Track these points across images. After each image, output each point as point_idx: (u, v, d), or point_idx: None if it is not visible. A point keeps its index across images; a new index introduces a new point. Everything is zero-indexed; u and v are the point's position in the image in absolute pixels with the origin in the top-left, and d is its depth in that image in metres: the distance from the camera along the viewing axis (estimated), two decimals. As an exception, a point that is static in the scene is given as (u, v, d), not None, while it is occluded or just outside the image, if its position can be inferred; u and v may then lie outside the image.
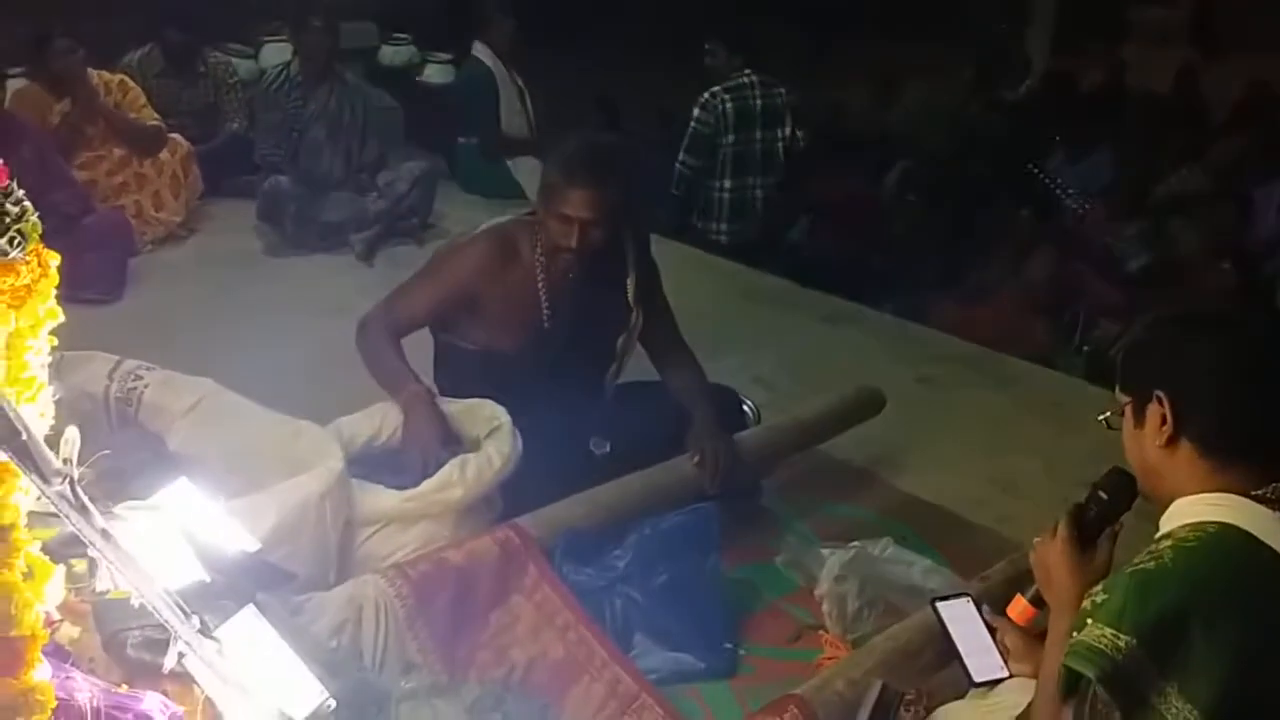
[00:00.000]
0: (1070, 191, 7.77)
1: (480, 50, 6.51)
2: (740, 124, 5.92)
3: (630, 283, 3.28)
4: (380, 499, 2.76)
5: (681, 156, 5.97)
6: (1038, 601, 2.05)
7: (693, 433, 3.15)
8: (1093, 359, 5.58)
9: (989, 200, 7.42)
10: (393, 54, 8.17)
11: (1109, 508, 1.93)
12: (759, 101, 5.96)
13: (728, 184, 6.02)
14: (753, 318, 5.11)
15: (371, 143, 5.89)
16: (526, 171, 6.24)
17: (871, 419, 3.61)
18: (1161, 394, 1.74)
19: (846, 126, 8.94)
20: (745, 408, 3.53)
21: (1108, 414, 1.86)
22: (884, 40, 13.29)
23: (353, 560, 2.72)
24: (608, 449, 3.16)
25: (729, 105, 5.89)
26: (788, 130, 6.07)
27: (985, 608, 2.22)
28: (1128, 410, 1.81)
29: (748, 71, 5.94)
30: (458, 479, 2.80)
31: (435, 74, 7.98)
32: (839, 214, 6.86)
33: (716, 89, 5.89)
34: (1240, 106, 9.07)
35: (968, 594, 2.29)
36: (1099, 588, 1.70)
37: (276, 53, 7.13)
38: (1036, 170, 7.58)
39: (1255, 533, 1.64)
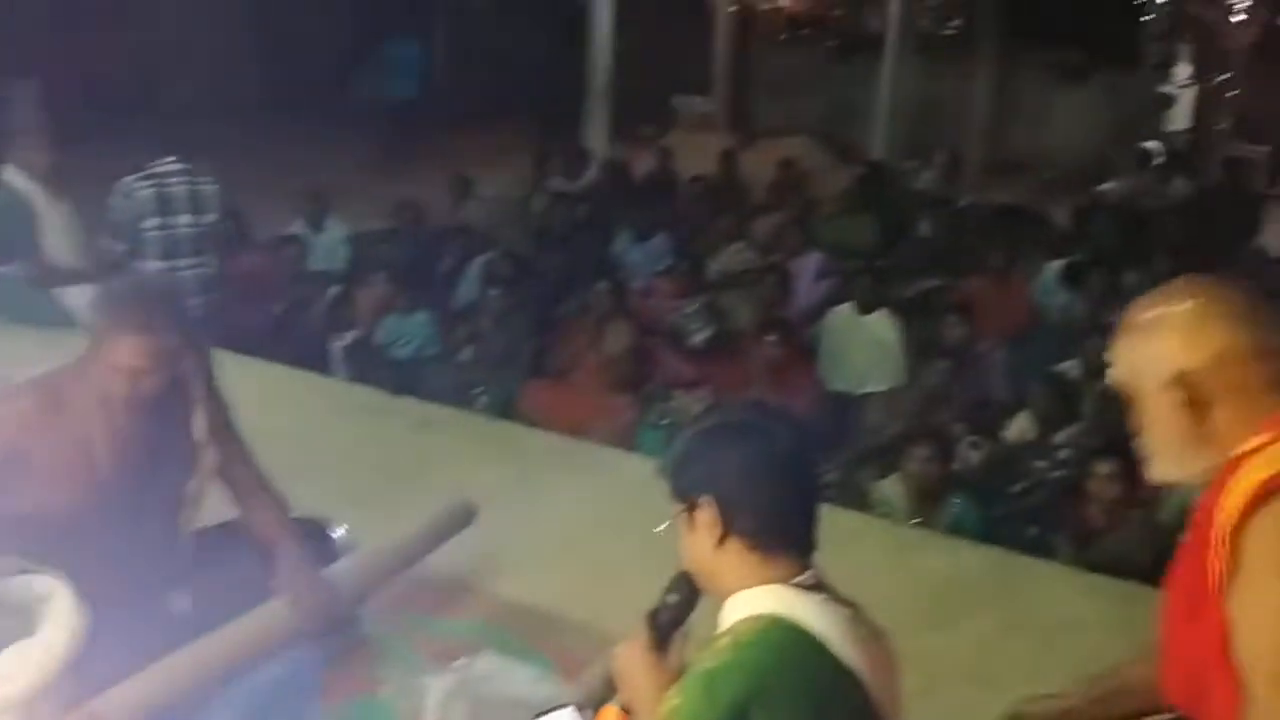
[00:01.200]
0: (637, 272, 8.31)
1: (10, 174, 6.00)
2: (161, 210, 6.06)
3: (197, 420, 3.12)
4: (-84, 707, 2.42)
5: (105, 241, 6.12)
6: (627, 709, 2.14)
7: (278, 575, 3.03)
8: (669, 432, 5.97)
9: (568, 287, 7.79)
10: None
11: (678, 610, 2.07)
12: (181, 189, 6.11)
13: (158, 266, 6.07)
14: (342, 433, 5.01)
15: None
16: (79, 299, 5.79)
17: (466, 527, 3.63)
18: (709, 498, 1.90)
19: (429, 222, 9.04)
20: (335, 535, 3.44)
21: (666, 525, 2.00)
22: (458, 134, 13.73)
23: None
24: (189, 605, 2.97)
25: (146, 192, 6.04)
26: (211, 217, 6.25)
27: (588, 713, 2.28)
28: (682, 517, 1.96)
29: (171, 160, 6.10)
30: (16, 670, 2.52)
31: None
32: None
33: (130, 177, 6.06)
34: (775, 186, 10.12)
35: (570, 704, 2.34)
36: (673, 690, 1.82)
37: None
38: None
39: (799, 618, 1.83)
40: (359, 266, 7.88)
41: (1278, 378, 1.78)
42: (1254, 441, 1.76)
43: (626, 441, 6.06)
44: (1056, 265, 8.35)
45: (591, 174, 10.56)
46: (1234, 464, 1.76)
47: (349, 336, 6.98)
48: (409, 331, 6.78)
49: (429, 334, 6.80)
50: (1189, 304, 1.82)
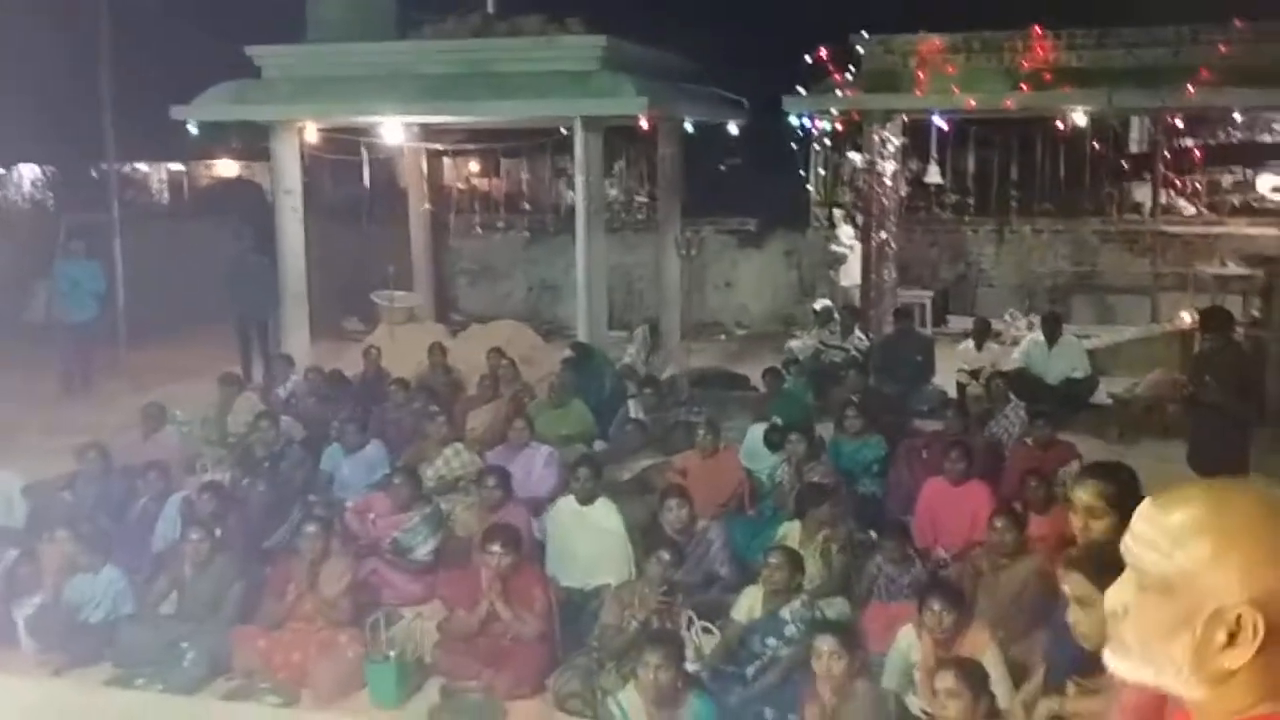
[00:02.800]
0: (350, 487, 8.03)
1: None
2: None
3: None
4: None
5: None
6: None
7: None
8: (399, 665, 5.70)
9: (276, 514, 7.42)
10: None
11: None
12: None
13: None
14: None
15: None
16: None
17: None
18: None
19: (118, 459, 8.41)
20: None
21: None
22: (142, 352, 13.07)
23: None
24: None
25: None
26: None
27: None
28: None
29: None
30: None
31: None
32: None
33: None
34: (488, 376, 10.10)
35: None
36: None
37: None
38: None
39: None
40: (39, 521, 7.20)
41: None
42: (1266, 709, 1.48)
43: (355, 682, 5.75)
44: (758, 429, 8.75)
45: (292, 384, 10.22)
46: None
47: (32, 603, 6.32)
48: (98, 591, 6.21)
49: (119, 590, 6.25)
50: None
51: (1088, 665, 3.45)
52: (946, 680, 4.16)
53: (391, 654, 5.72)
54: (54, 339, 12.82)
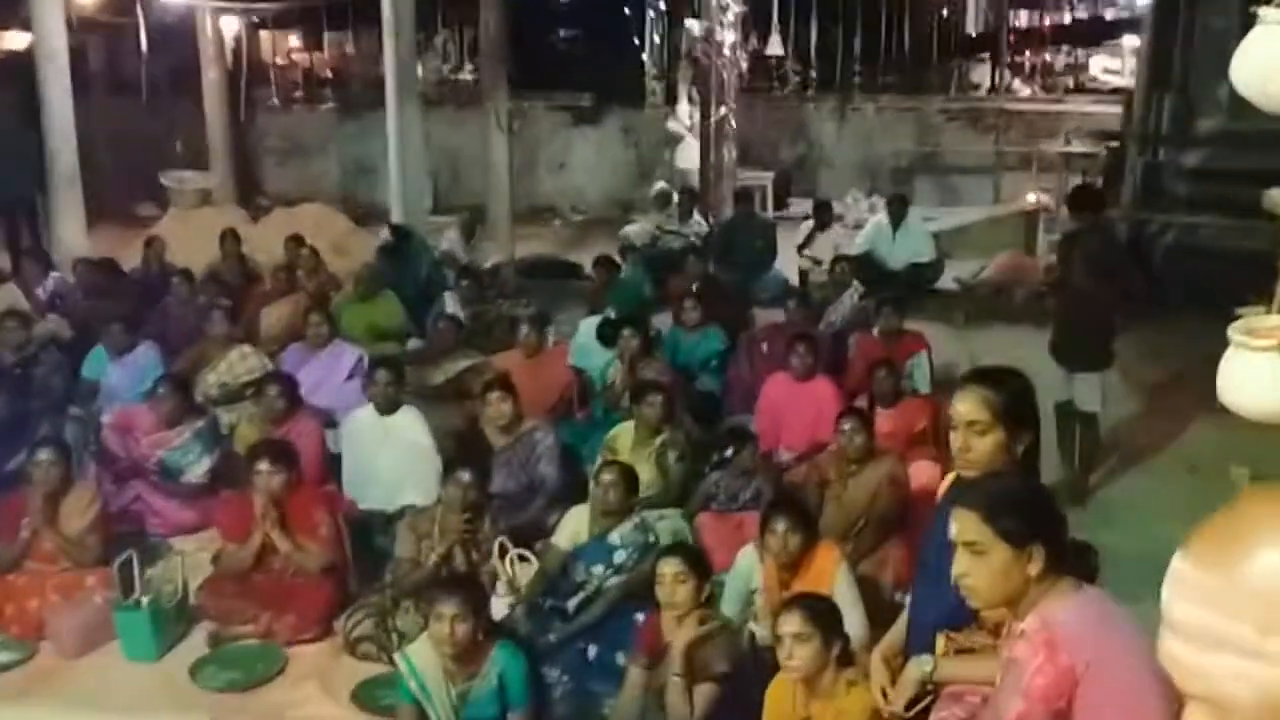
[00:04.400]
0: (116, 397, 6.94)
1: None
2: None
3: None
4: None
5: None
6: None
7: None
8: (152, 611, 4.79)
9: (20, 434, 6.30)
10: None
11: None
12: None
13: None
14: None
15: None
16: None
17: None
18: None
19: None
20: None
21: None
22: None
23: None
24: None
25: None
26: None
27: None
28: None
29: None
30: None
31: None
32: None
33: None
34: (285, 267, 8.99)
35: None
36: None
37: None
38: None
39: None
40: None
41: None
42: None
43: (106, 631, 4.82)
44: (590, 323, 7.97)
45: (53, 280, 8.89)
46: None
47: None
48: None
49: None
50: None
51: (960, 616, 2.83)
52: (793, 623, 3.51)
53: (145, 599, 4.80)
54: None
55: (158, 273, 9.35)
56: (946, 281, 10.33)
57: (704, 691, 3.91)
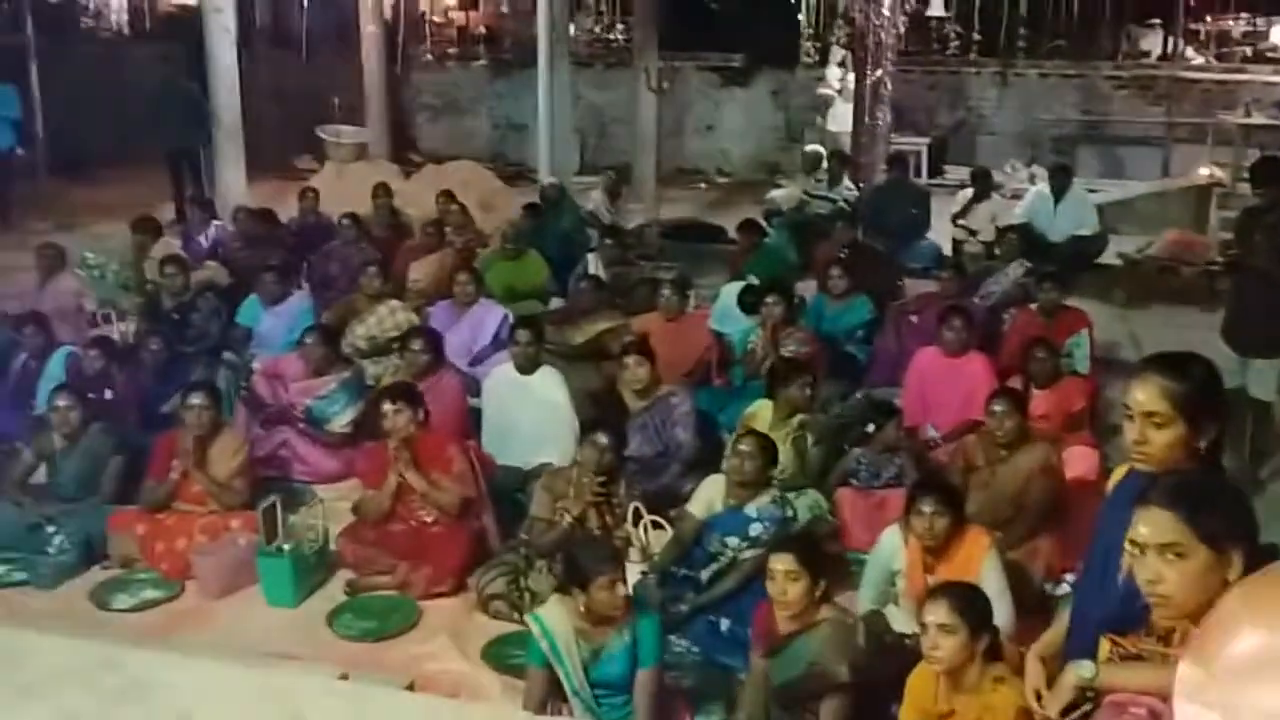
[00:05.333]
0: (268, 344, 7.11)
1: None
2: None
3: None
4: None
5: None
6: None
7: None
8: (295, 558, 4.87)
9: (173, 376, 6.49)
10: None
11: None
12: None
13: None
14: None
15: None
16: None
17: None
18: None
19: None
20: None
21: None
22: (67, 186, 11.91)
23: None
24: None
25: None
26: None
27: None
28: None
29: None
30: None
31: None
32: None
33: None
34: (434, 223, 9.07)
35: None
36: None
37: None
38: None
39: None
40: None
41: None
42: None
43: (247, 575, 4.93)
44: (732, 289, 7.81)
45: (214, 229, 9.16)
46: None
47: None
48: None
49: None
50: None
51: (1128, 619, 2.61)
52: (939, 612, 3.33)
53: (287, 545, 4.89)
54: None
55: (313, 224, 9.54)
56: (1109, 257, 9.81)
57: (829, 710, 3.67)
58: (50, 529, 5.10)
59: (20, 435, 5.90)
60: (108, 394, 6.14)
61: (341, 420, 6.12)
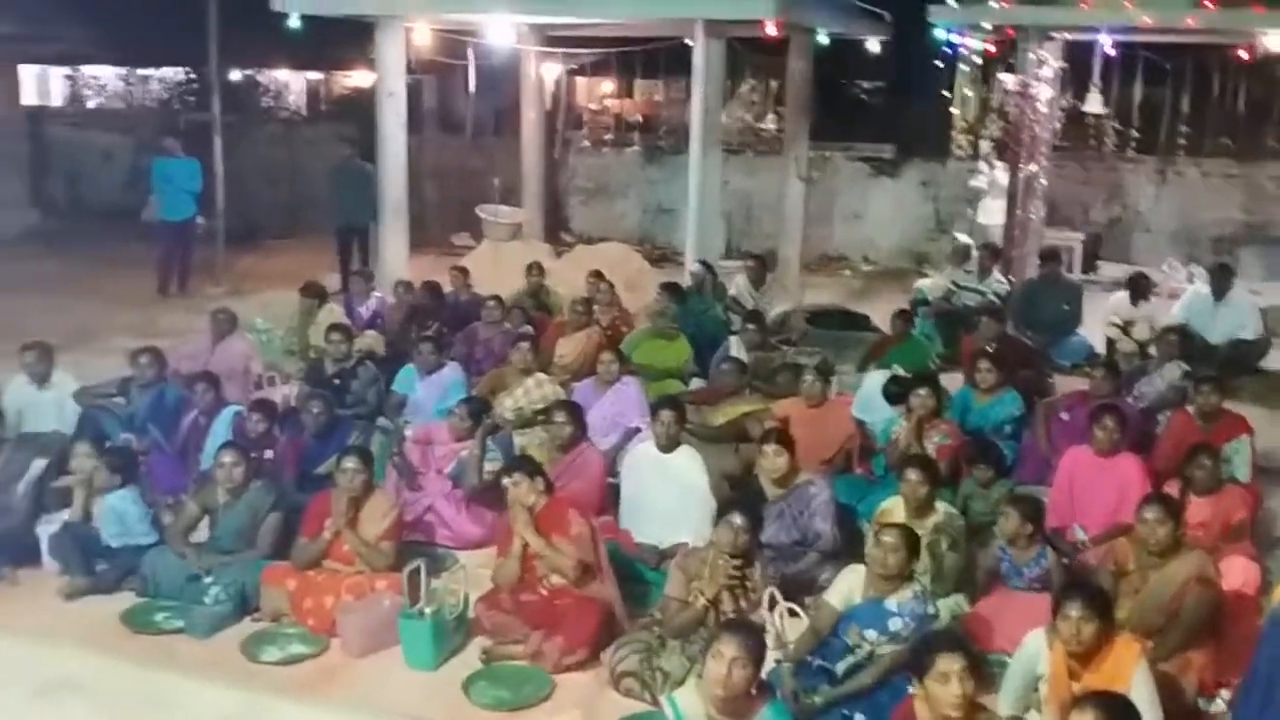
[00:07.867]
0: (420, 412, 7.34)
1: None
2: None
3: None
4: None
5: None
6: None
7: None
8: (435, 625, 4.98)
9: (334, 439, 6.76)
10: None
11: None
12: None
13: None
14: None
15: None
16: None
17: None
18: None
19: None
20: None
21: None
22: (241, 255, 12.65)
23: None
24: None
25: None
26: None
27: None
28: None
29: None
30: None
31: None
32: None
33: None
34: (583, 301, 9.28)
35: None
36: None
37: None
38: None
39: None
40: (85, 429, 6.70)
41: None
42: None
43: (390, 636, 5.07)
44: (877, 377, 7.77)
45: (375, 300, 9.59)
46: None
47: (59, 519, 5.82)
48: (121, 511, 5.66)
49: (125, 514, 5.70)
50: None
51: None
52: (1085, 721, 3.23)
53: (429, 609, 5.02)
54: (149, 238, 12.58)
55: (468, 300, 9.88)
56: (1272, 362, 9.42)
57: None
58: (208, 579, 5.35)
59: (187, 489, 6.25)
60: (268, 454, 6.45)
61: (472, 482, 6.24)
